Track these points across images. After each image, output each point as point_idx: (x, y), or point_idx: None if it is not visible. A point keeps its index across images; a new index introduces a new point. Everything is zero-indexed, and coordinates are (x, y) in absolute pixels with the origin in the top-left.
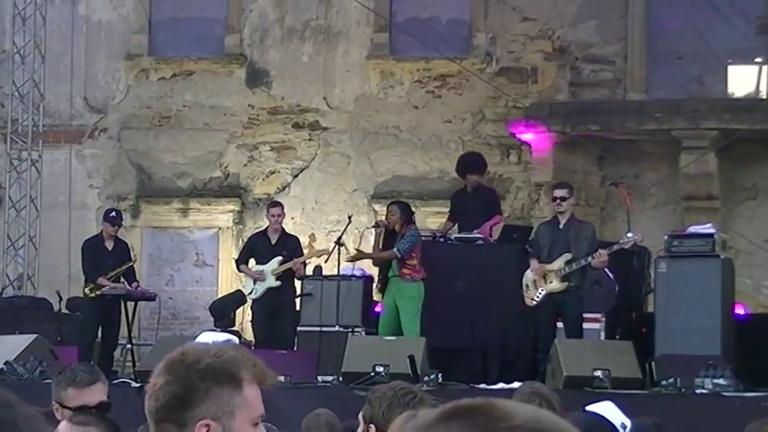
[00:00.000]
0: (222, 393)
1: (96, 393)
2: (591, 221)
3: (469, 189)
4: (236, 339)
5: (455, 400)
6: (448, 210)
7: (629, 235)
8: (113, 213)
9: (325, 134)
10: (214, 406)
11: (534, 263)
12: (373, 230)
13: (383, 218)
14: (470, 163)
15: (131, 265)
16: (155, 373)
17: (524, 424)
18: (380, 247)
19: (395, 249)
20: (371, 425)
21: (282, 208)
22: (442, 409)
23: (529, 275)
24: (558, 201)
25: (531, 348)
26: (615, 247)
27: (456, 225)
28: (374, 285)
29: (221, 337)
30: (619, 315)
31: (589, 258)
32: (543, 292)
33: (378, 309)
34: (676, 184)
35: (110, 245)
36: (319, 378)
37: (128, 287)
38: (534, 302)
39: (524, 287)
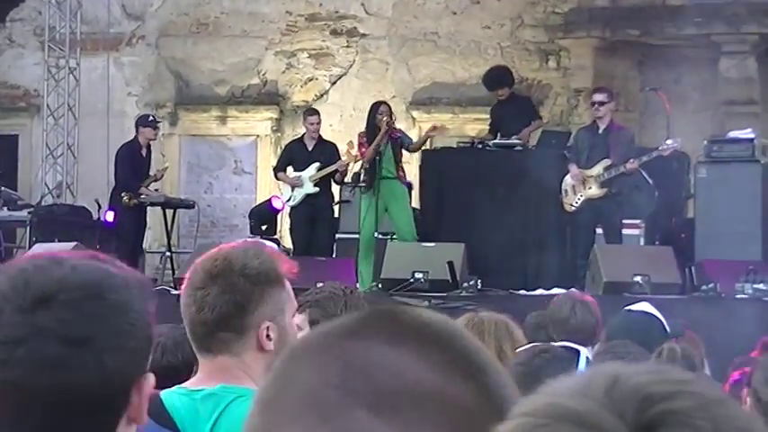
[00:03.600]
0: (273, 293)
1: None
2: (630, 127)
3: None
4: (275, 246)
5: (494, 305)
6: (486, 116)
7: (669, 142)
8: (151, 118)
9: (363, 41)
10: (270, 307)
11: (573, 168)
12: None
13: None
14: (494, 79)
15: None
16: (194, 283)
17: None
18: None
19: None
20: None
21: (319, 115)
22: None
23: (568, 181)
24: (596, 105)
25: (571, 254)
26: (654, 154)
27: (497, 137)
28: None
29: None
30: (658, 221)
31: (621, 168)
32: (582, 198)
33: None
34: (716, 89)
35: (144, 152)
36: (358, 285)
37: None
38: (573, 208)
39: (563, 193)
